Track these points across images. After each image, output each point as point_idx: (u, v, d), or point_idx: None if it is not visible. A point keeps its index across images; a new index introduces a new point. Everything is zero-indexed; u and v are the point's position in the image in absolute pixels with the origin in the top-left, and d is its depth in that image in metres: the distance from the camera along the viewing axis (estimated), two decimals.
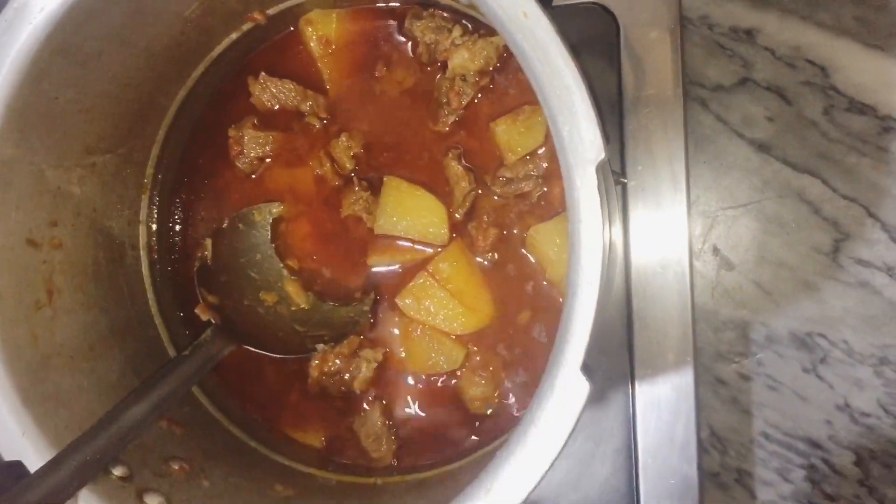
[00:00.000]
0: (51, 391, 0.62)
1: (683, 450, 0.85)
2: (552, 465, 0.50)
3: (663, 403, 0.85)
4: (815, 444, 0.92)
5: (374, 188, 0.75)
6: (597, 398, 0.87)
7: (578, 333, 0.48)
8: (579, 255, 0.48)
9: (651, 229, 0.86)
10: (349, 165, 0.76)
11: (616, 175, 0.80)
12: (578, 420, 0.49)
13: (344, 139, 0.75)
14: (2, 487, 0.56)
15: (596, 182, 0.47)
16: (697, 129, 0.95)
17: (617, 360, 0.87)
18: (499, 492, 0.50)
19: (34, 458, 0.59)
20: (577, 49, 0.87)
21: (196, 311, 0.74)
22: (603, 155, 0.47)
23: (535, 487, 0.50)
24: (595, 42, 0.87)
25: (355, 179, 0.76)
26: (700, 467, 0.86)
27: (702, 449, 0.95)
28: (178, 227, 0.81)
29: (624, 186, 0.85)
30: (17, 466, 0.59)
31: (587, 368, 0.49)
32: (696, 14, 0.94)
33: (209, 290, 0.75)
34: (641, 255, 0.86)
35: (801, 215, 0.92)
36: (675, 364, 0.85)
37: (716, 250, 0.95)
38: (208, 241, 0.76)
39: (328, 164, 0.76)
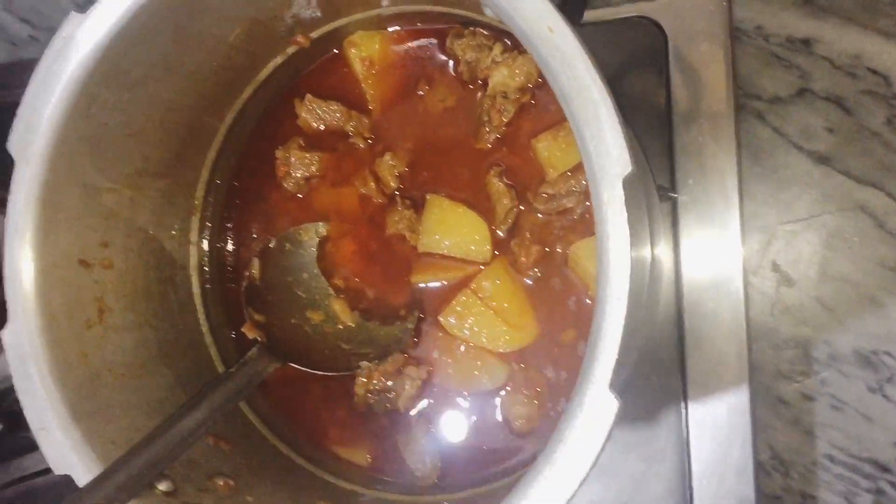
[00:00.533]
0: (99, 407, 0.64)
1: (740, 471, 0.83)
2: (581, 484, 0.49)
3: (718, 424, 0.83)
4: (883, 467, 0.88)
5: (418, 206, 0.76)
6: (648, 417, 0.85)
7: (607, 350, 0.47)
8: (607, 270, 0.47)
9: (703, 245, 0.84)
10: (393, 184, 0.76)
11: (664, 190, 0.79)
12: (608, 439, 0.48)
13: (388, 158, 0.76)
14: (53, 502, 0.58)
15: (623, 197, 0.47)
16: (754, 142, 0.92)
17: (668, 380, 0.85)
18: None
19: (82, 472, 0.61)
20: (625, 63, 0.87)
21: (243, 329, 0.76)
22: (630, 169, 0.47)
23: None
24: (643, 56, 0.87)
25: (398, 198, 0.76)
26: (758, 490, 0.83)
27: (762, 471, 0.92)
28: (229, 248, 0.83)
29: (674, 202, 0.83)
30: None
31: (617, 386, 0.48)
32: (750, 25, 0.92)
33: (256, 308, 0.77)
34: (693, 272, 0.84)
35: (864, 229, 0.89)
36: (730, 383, 0.83)
37: (775, 266, 0.92)
38: (255, 261, 0.78)
39: (372, 183, 0.77)
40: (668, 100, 0.85)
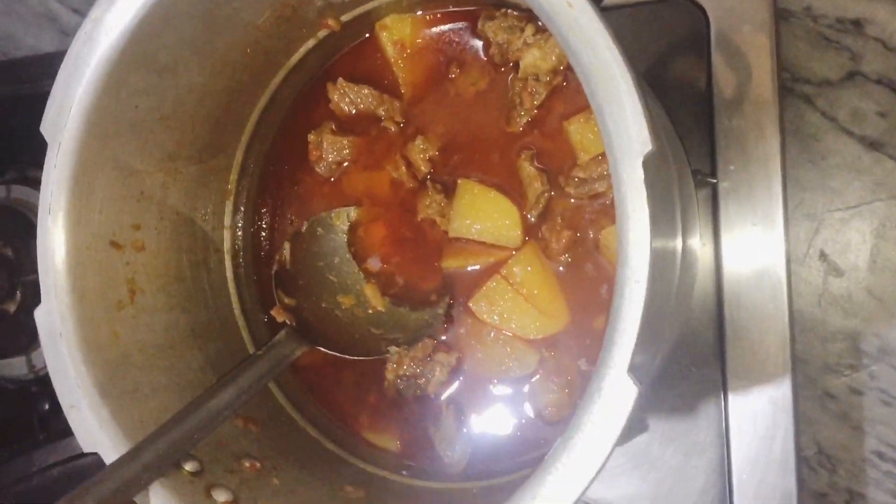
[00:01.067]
0: (129, 387, 0.65)
1: (782, 466, 0.80)
2: (599, 471, 0.47)
3: (759, 417, 0.81)
4: None
5: (449, 191, 0.75)
6: (686, 409, 0.83)
7: (626, 334, 0.46)
8: (626, 251, 0.46)
9: (745, 233, 0.82)
10: (424, 168, 0.76)
11: (702, 175, 0.77)
12: (627, 425, 0.47)
13: (420, 142, 0.76)
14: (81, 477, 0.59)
15: (642, 176, 0.45)
16: (802, 127, 0.89)
17: (708, 371, 0.83)
18: (545, 499, 0.49)
19: (110, 450, 0.61)
20: (665, 46, 0.85)
21: (272, 312, 0.76)
22: (650, 147, 0.45)
23: (582, 494, 0.48)
24: (684, 38, 0.84)
25: (429, 182, 0.75)
26: (801, 485, 0.81)
27: (807, 467, 0.89)
28: (264, 232, 0.83)
29: (714, 189, 0.81)
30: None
31: (638, 371, 0.47)
32: (799, 5, 0.89)
33: (286, 292, 0.77)
34: (734, 261, 0.82)
35: None
36: (772, 375, 0.81)
37: (822, 255, 0.89)
38: (286, 245, 0.78)
39: (403, 168, 0.76)
40: (709, 83, 0.82)
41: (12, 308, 1.09)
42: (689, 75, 0.84)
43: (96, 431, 0.61)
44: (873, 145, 0.87)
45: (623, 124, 0.46)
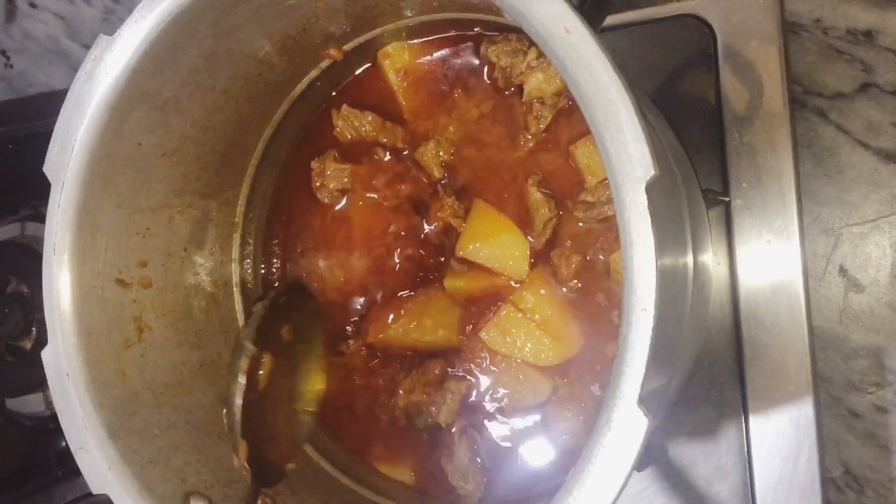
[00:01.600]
0: (138, 426, 0.64)
1: (807, 488, 0.79)
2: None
3: (782, 438, 0.79)
4: None
5: (461, 198, 0.75)
6: (706, 433, 0.81)
7: (634, 364, 0.45)
8: (632, 279, 0.45)
9: (760, 251, 0.80)
10: (437, 174, 0.75)
11: (713, 194, 0.75)
12: (639, 457, 0.45)
13: (432, 146, 0.75)
14: None
15: (646, 201, 0.44)
16: (816, 141, 0.88)
17: (727, 393, 0.81)
18: None
19: (119, 491, 0.61)
20: (673, 64, 0.84)
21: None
22: (653, 172, 0.44)
23: None
24: (692, 55, 0.84)
25: (440, 187, 0.75)
26: None
27: (834, 488, 0.87)
28: (275, 266, 0.83)
29: (727, 206, 0.80)
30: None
31: (646, 400, 0.45)
32: (808, 18, 0.88)
33: None
34: (750, 279, 0.80)
35: None
36: (793, 395, 0.79)
37: (842, 271, 0.87)
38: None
39: (420, 173, 0.76)
40: (718, 100, 0.81)
41: (28, 345, 1.10)
42: (697, 92, 0.83)
43: (104, 472, 0.61)
44: (890, 157, 0.86)
45: (624, 149, 0.45)
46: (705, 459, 0.82)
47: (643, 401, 0.45)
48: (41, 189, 1.14)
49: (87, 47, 1.25)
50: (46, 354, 0.63)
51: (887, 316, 0.86)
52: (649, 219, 0.44)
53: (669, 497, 0.83)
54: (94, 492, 0.62)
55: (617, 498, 0.46)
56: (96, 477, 0.61)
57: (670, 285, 0.48)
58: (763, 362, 0.79)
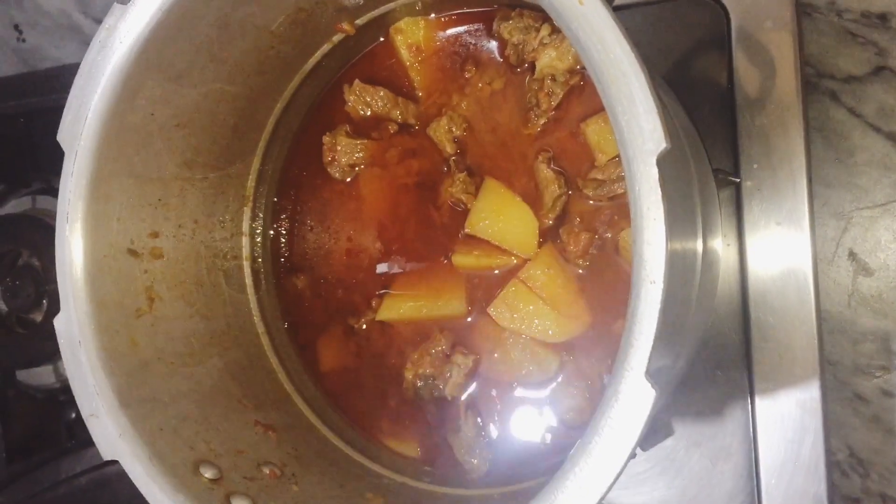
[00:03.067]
0: (148, 395, 0.65)
1: (812, 470, 0.79)
2: (618, 476, 0.46)
3: (787, 420, 0.79)
4: None
5: (472, 174, 0.75)
6: (712, 413, 0.82)
7: (643, 336, 0.45)
8: (642, 251, 0.45)
9: (770, 233, 0.80)
10: (450, 149, 0.75)
11: (724, 174, 0.75)
12: (645, 429, 0.46)
13: (445, 121, 0.75)
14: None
15: (657, 174, 0.44)
16: (828, 124, 0.88)
17: (734, 374, 0.82)
18: None
19: (130, 458, 0.62)
20: (686, 44, 0.84)
21: None
22: (664, 145, 0.44)
23: (602, 499, 0.47)
24: (705, 36, 0.83)
25: (452, 163, 0.75)
26: (831, 489, 0.79)
27: (839, 471, 0.88)
28: (283, 238, 0.83)
29: (737, 187, 0.80)
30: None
31: (653, 374, 0.46)
32: (823, 0, 0.87)
33: None
34: (759, 262, 0.80)
35: None
36: (800, 378, 0.79)
37: (851, 255, 0.87)
38: None
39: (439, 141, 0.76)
40: (730, 81, 0.81)
41: (39, 317, 1.11)
42: (710, 73, 0.82)
43: (116, 439, 0.62)
44: None
45: (636, 122, 0.45)
46: (711, 439, 0.82)
47: (650, 373, 0.46)
48: (52, 163, 1.16)
49: (99, 22, 1.25)
50: (59, 322, 0.63)
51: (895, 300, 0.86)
52: (660, 192, 0.44)
53: (674, 476, 0.84)
54: (105, 457, 0.62)
55: (623, 468, 0.46)
56: (107, 444, 0.62)
57: (679, 261, 0.48)
58: (770, 344, 0.80)
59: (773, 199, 0.80)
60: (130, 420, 0.62)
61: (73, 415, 1.10)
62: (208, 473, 0.64)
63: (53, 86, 1.18)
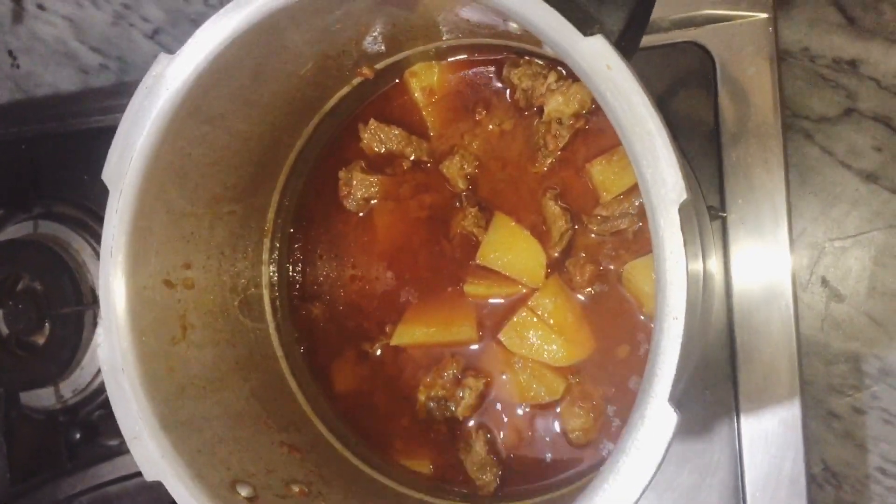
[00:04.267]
0: (185, 418, 0.68)
1: (792, 485, 0.85)
2: (643, 492, 0.52)
3: (771, 437, 0.85)
4: None
5: (482, 208, 0.80)
6: (701, 430, 0.87)
7: (666, 366, 0.51)
8: (665, 290, 0.50)
9: (753, 261, 0.86)
10: (462, 185, 0.80)
11: (713, 210, 0.81)
12: (668, 449, 0.51)
13: (457, 159, 0.80)
14: None
15: (679, 222, 0.50)
16: (803, 161, 0.95)
17: (721, 393, 0.87)
18: None
19: (173, 479, 0.65)
20: (675, 86, 0.90)
21: None
22: (685, 196, 0.50)
23: None
24: (692, 79, 0.89)
25: (464, 198, 0.80)
26: (811, 502, 0.85)
27: (815, 484, 0.94)
28: (298, 267, 0.88)
29: (723, 220, 0.86)
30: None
31: (675, 400, 0.51)
32: (797, 47, 0.94)
33: None
34: (744, 288, 0.86)
35: None
36: (781, 397, 0.85)
37: (824, 282, 0.94)
38: None
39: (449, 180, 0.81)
40: (716, 121, 0.87)
41: (41, 340, 1.13)
42: (697, 114, 0.89)
43: (158, 460, 0.65)
44: (870, 178, 0.92)
45: (659, 175, 0.51)
46: (699, 455, 0.88)
47: (672, 399, 0.51)
48: (53, 188, 1.19)
49: (95, 50, 1.28)
50: (102, 351, 0.67)
51: (865, 324, 0.93)
52: (682, 237, 0.50)
53: (664, 489, 0.89)
54: (148, 478, 0.66)
55: (648, 485, 0.51)
56: (150, 465, 0.65)
57: (693, 294, 0.53)
58: (755, 366, 0.86)
59: (756, 230, 0.86)
60: (171, 442, 0.66)
61: (77, 436, 1.12)
62: (244, 492, 0.67)
63: (52, 113, 1.21)
